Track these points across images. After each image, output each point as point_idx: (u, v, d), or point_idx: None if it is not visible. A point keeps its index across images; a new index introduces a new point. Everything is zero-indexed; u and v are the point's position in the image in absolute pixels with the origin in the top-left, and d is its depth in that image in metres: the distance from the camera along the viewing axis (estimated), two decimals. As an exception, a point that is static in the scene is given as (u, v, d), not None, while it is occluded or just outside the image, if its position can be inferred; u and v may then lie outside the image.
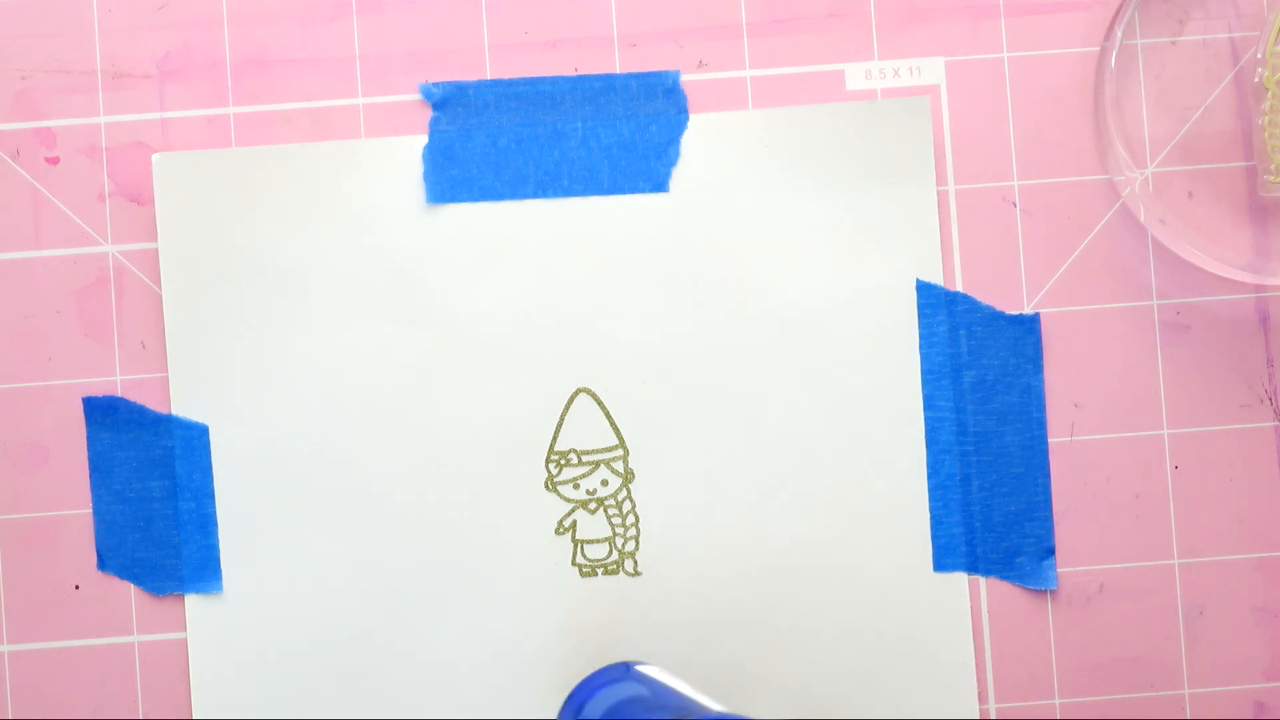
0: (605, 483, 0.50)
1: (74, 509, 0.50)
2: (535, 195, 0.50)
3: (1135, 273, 0.51)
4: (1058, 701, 0.50)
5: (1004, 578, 0.50)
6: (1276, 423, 0.51)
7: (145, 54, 0.50)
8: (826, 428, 0.50)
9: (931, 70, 0.51)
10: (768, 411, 0.50)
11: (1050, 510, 0.50)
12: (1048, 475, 0.50)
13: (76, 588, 0.50)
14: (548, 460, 0.50)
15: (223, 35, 0.51)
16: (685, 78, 0.50)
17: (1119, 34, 0.50)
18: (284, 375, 0.50)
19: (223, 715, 0.49)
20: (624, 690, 0.43)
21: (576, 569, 0.50)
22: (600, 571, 0.50)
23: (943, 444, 0.50)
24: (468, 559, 0.50)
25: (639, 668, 0.45)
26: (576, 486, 0.50)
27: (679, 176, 0.50)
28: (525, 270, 0.50)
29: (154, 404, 0.50)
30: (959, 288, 0.50)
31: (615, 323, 0.50)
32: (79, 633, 0.50)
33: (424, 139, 0.50)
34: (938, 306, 0.50)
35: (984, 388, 0.50)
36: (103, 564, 0.50)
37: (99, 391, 0.50)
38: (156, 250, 0.50)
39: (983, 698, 0.50)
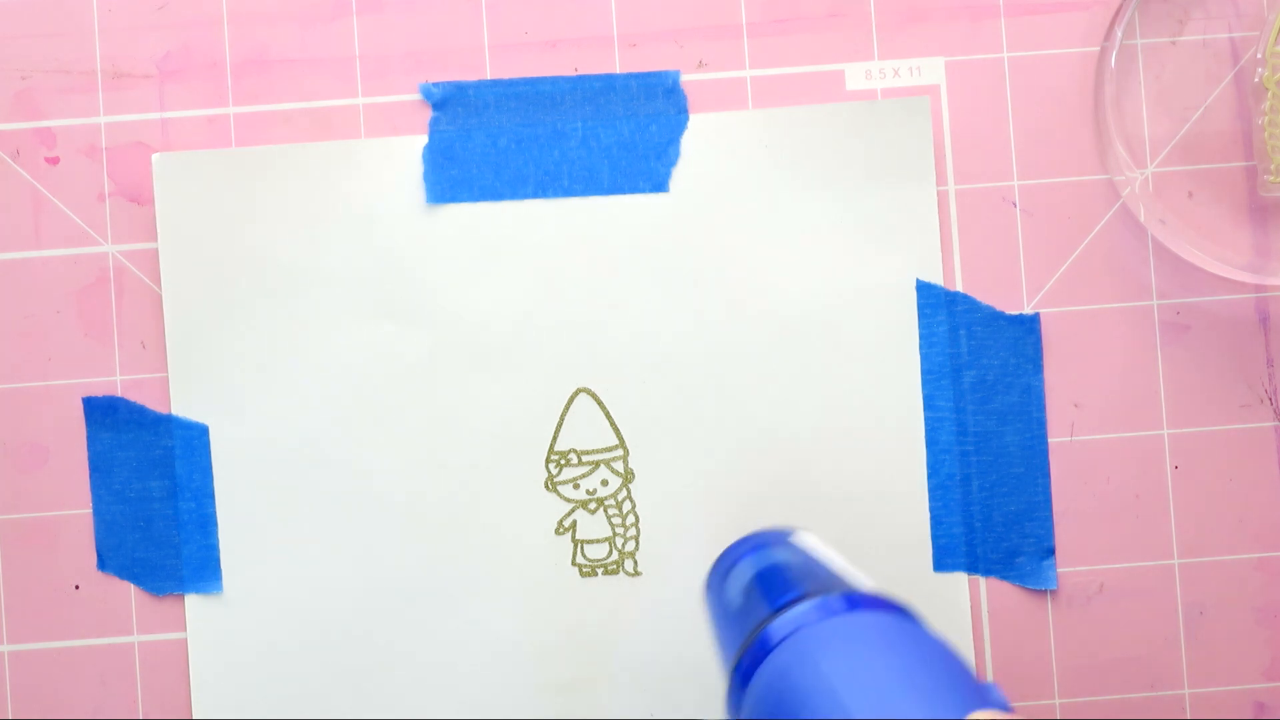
0: (605, 483, 0.50)
1: (74, 509, 0.50)
2: (535, 195, 0.50)
3: (1135, 273, 0.51)
4: (1058, 701, 0.50)
5: (1004, 578, 0.50)
6: (1276, 423, 0.51)
7: (145, 54, 0.50)
8: (826, 428, 0.50)
9: (931, 70, 0.51)
10: (768, 411, 0.50)
11: (1050, 510, 0.50)
12: (1048, 475, 0.50)
13: (76, 588, 0.50)
14: (548, 460, 0.50)
15: (223, 35, 0.51)
16: (685, 78, 0.50)
17: (1119, 34, 0.50)
18: (284, 375, 0.50)
19: (223, 715, 0.49)
20: (775, 555, 0.42)
21: (576, 569, 0.50)
22: (600, 571, 0.50)
23: (943, 444, 0.50)
24: (468, 559, 0.50)
25: (796, 537, 0.44)
26: (576, 486, 0.50)
27: (679, 176, 0.50)
28: (525, 270, 0.50)
29: (154, 404, 0.50)
30: (959, 288, 0.50)
31: (615, 323, 0.50)
32: (79, 633, 0.50)
33: (424, 139, 0.50)
34: (938, 306, 0.50)
35: (984, 388, 0.50)
36: (103, 564, 0.50)
37: (99, 391, 0.50)
38: (156, 250, 0.50)
39: (983, 698, 0.50)
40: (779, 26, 0.51)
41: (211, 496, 0.50)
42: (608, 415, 0.50)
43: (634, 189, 0.50)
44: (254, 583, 0.50)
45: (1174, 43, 0.51)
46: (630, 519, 0.50)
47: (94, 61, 0.50)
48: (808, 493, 0.50)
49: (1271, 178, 0.49)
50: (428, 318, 0.50)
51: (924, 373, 0.50)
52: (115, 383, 0.50)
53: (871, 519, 0.50)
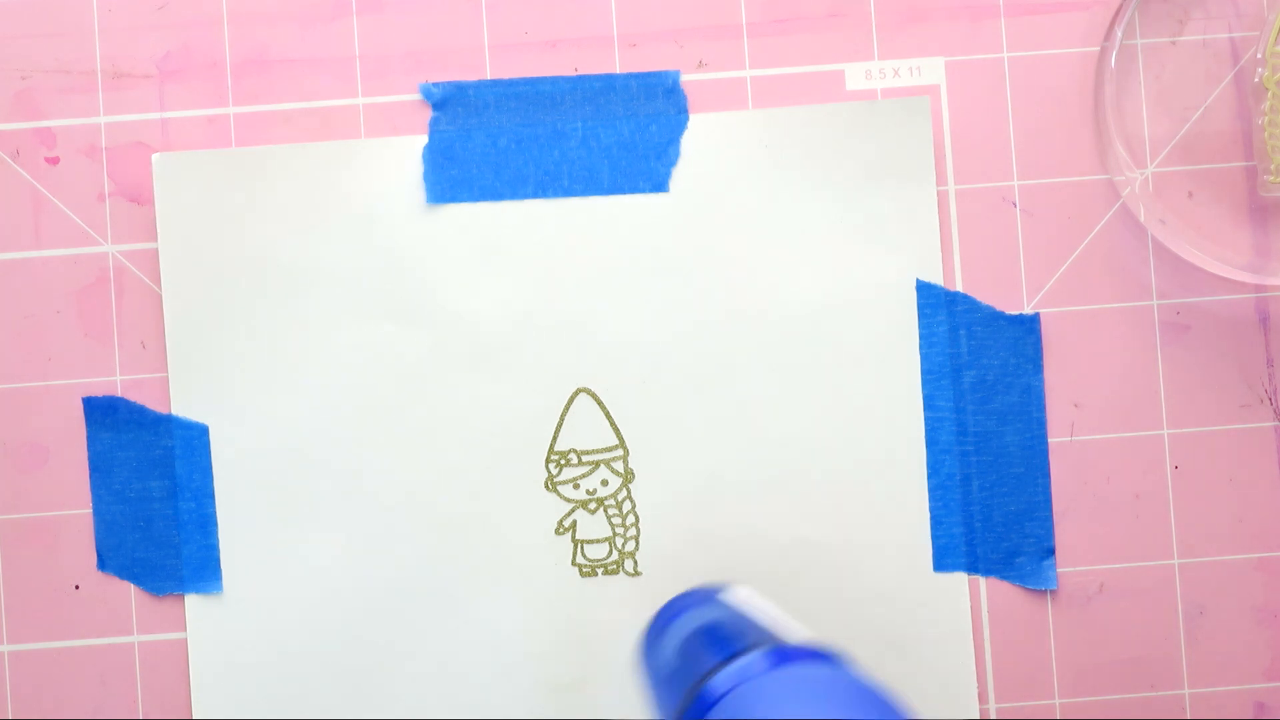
0: (605, 483, 0.50)
1: (74, 509, 0.50)
2: (535, 195, 0.50)
3: (1135, 273, 0.51)
4: (1058, 701, 0.50)
5: (1004, 578, 0.50)
6: (1276, 423, 0.51)
7: (145, 54, 0.50)
8: (826, 427, 0.50)
9: (931, 70, 0.51)
10: (767, 411, 0.50)
11: (1050, 510, 0.50)
12: (1048, 475, 0.50)
13: (76, 588, 0.50)
14: (548, 460, 0.50)
15: (223, 35, 0.51)
16: (685, 78, 0.50)
17: (1119, 34, 0.50)
18: (284, 375, 0.50)
19: (223, 715, 0.49)
20: (708, 614, 0.42)
21: (576, 569, 0.50)
22: (600, 571, 0.50)
23: (943, 444, 0.50)
24: (468, 559, 0.50)
25: (727, 593, 0.44)
26: (576, 486, 0.50)
27: (679, 176, 0.50)
28: (525, 270, 0.50)
29: (154, 404, 0.50)
30: (959, 288, 0.50)
31: (615, 323, 0.50)
32: (79, 633, 0.50)
33: (424, 139, 0.50)
34: (938, 306, 0.50)
35: (984, 388, 0.50)
36: (103, 564, 0.50)
37: (99, 391, 0.50)
38: (156, 250, 0.50)
39: (983, 698, 0.50)
40: (779, 26, 0.51)
41: (211, 496, 0.50)
42: (608, 415, 0.50)
43: (634, 189, 0.50)
44: (254, 583, 0.50)
45: (1174, 43, 0.51)
46: (630, 519, 0.50)
47: (94, 61, 0.50)
48: (807, 493, 0.50)
49: (1271, 178, 0.49)
50: (428, 318, 0.50)
51: (924, 373, 0.50)
52: (115, 383, 0.50)
53: (871, 519, 0.50)
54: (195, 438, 0.50)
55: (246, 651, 0.50)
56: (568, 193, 0.50)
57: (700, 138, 0.50)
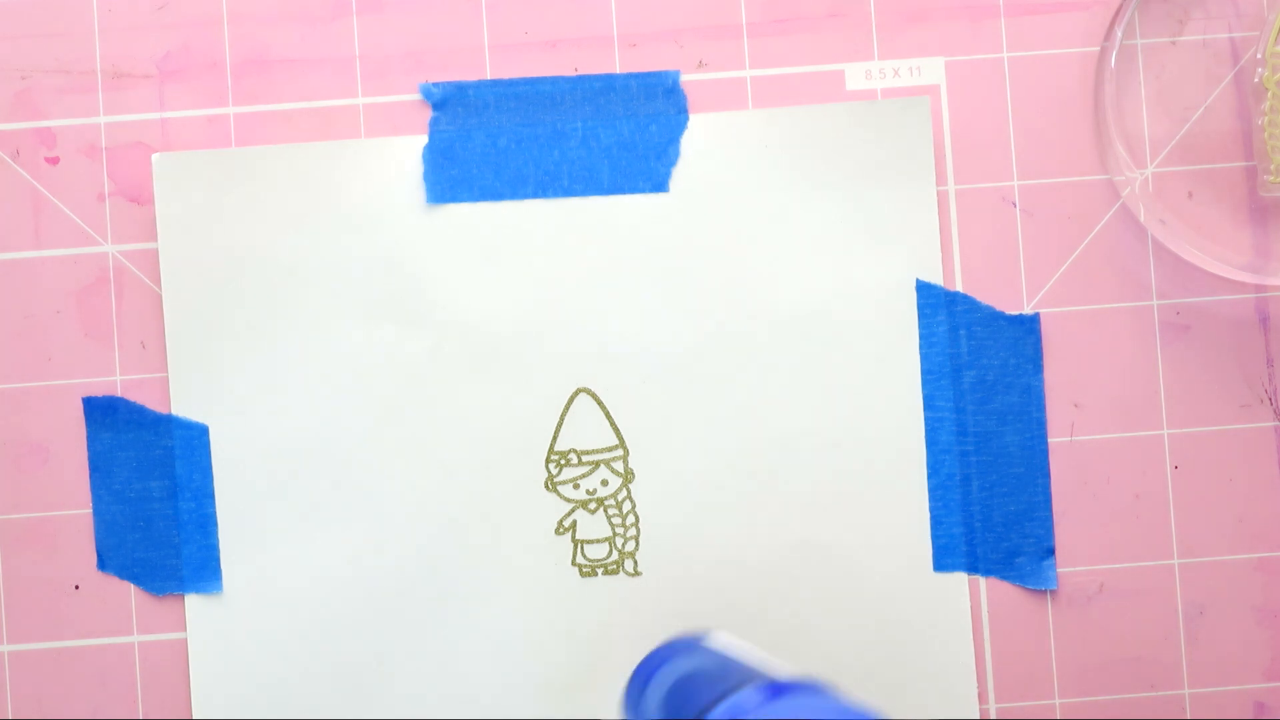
0: (605, 483, 0.50)
1: (74, 509, 0.50)
2: (535, 195, 0.50)
3: (1135, 273, 0.51)
4: (1058, 701, 0.50)
5: (1004, 578, 0.50)
6: (1276, 423, 0.51)
7: (145, 54, 0.50)
8: (826, 427, 0.50)
9: (931, 70, 0.51)
10: (768, 411, 0.50)
11: (1050, 510, 0.50)
12: (1048, 475, 0.50)
13: (76, 588, 0.50)
14: (548, 460, 0.50)
15: (223, 35, 0.51)
16: (685, 78, 0.50)
17: (1119, 34, 0.50)
18: (284, 375, 0.50)
19: (223, 715, 0.49)
20: (690, 662, 0.42)
21: (576, 569, 0.50)
22: (600, 571, 0.50)
23: (943, 444, 0.50)
24: (468, 559, 0.50)
25: (708, 639, 0.44)
26: (576, 486, 0.50)
27: (679, 176, 0.50)
28: (525, 270, 0.50)
29: (154, 404, 0.50)
30: (959, 288, 0.50)
31: (615, 323, 0.50)
32: (79, 633, 0.50)
33: (424, 139, 0.50)
34: (938, 306, 0.50)
35: (984, 388, 0.50)
36: (103, 564, 0.50)
37: (99, 391, 0.50)
38: (156, 250, 0.50)
39: (983, 698, 0.50)
40: (779, 26, 0.51)
41: (211, 496, 0.50)
42: (608, 415, 0.50)
43: (634, 189, 0.50)
44: (254, 583, 0.50)
45: (1174, 43, 0.51)
46: (630, 519, 0.50)
47: (94, 61, 0.50)
48: (807, 493, 0.50)
49: (1271, 178, 0.49)
50: (427, 317, 0.50)
51: (924, 373, 0.50)
52: (115, 383, 0.50)
53: (871, 519, 0.50)
54: (195, 438, 0.50)
55: (246, 651, 0.50)
56: (568, 193, 0.50)
57: (700, 138, 0.50)
